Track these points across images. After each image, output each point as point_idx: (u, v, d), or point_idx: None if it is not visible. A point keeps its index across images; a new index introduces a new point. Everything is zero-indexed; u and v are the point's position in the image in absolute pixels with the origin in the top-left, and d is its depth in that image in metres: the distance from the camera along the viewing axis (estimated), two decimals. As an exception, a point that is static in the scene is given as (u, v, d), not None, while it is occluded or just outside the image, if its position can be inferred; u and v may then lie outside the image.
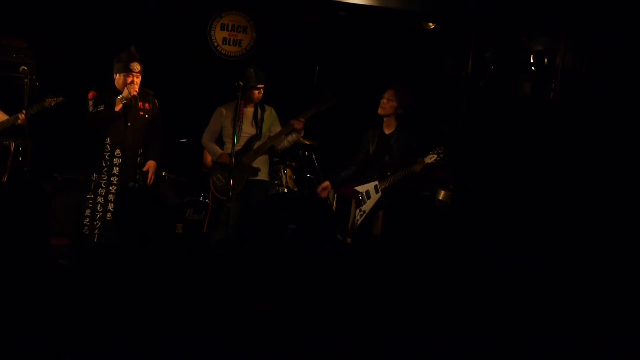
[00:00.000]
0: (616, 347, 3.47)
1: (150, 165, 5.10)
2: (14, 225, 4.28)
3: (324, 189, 5.27)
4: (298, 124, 5.14)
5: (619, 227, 5.00)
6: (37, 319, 3.12)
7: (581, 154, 5.48)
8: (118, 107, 4.88)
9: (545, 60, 6.09)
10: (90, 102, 4.90)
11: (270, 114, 5.38)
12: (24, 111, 4.90)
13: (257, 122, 5.29)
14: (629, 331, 3.75)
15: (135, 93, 4.90)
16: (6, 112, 5.16)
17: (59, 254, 5.06)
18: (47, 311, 3.24)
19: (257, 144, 5.28)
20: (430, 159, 4.86)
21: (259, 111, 5.33)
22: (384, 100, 5.08)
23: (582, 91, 5.67)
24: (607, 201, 5.19)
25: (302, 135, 5.32)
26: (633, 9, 5.23)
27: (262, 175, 5.33)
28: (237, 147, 5.11)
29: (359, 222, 5.10)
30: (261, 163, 5.32)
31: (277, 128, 5.34)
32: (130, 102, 4.89)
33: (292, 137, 5.28)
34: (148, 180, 5.05)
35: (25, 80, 4.79)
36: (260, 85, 5.25)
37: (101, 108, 4.83)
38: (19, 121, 4.95)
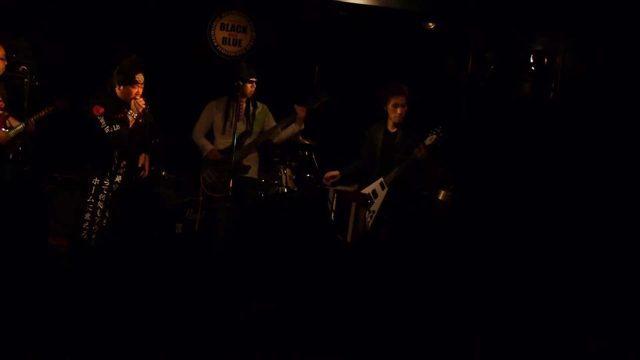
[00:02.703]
0: (616, 347, 3.47)
1: (143, 157, 4.94)
2: (14, 225, 4.28)
3: (333, 177, 5.25)
4: (301, 112, 5.10)
5: (619, 227, 5.00)
6: (37, 319, 3.12)
7: (581, 154, 5.48)
8: (132, 124, 4.75)
9: (545, 60, 6.09)
10: (102, 120, 4.68)
11: (261, 111, 5.35)
12: (32, 119, 4.82)
13: (249, 118, 5.27)
14: (629, 331, 3.75)
15: (144, 106, 4.72)
16: (6, 112, 5.14)
17: (59, 254, 5.06)
18: (47, 311, 3.25)
19: (247, 141, 5.25)
20: (430, 140, 4.83)
21: (251, 107, 5.31)
22: (399, 110, 4.97)
23: (582, 91, 5.67)
24: (607, 201, 5.19)
25: (303, 127, 5.28)
26: (633, 9, 5.23)
27: (252, 173, 5.30)
28: (229, 144, 5.08)
29: (370, 223, 5.04)
30: (251, 161, 5.30)
31: (272, 123, 5.31)
32: (142, 116, 4.73)
33: (291, 129, 5.25)
34: (142, 175, 4.96)
35: (25, 80, 4.76)
36: (253, 79, 5.23)
37: (117, 128, 4.68)
38: (31, 128, 4.85)
